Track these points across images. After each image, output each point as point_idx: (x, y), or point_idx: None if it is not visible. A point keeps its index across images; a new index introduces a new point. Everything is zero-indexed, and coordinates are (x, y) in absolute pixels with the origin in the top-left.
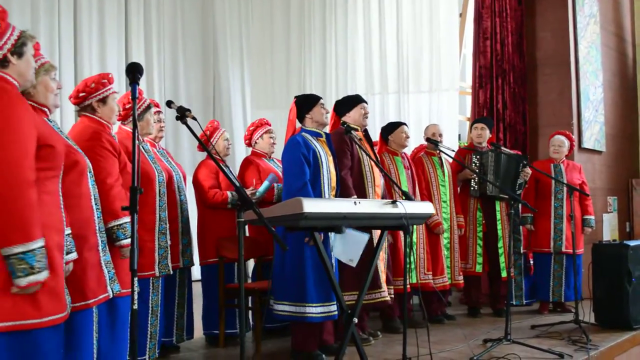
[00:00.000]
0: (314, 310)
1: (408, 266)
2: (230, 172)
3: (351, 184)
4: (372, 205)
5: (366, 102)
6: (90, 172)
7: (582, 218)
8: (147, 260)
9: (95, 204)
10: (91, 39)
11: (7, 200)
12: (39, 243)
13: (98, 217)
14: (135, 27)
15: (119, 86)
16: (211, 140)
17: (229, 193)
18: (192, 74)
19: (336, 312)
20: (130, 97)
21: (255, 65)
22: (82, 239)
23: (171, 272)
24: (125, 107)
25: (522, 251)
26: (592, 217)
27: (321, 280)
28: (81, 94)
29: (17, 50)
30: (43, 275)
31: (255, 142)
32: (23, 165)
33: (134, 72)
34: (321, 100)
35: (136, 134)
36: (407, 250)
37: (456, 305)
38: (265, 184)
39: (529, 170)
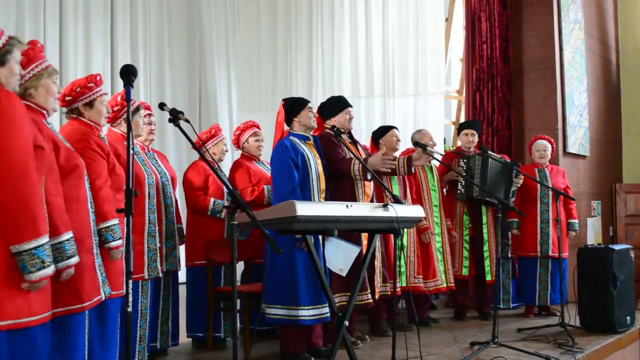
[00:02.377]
0: (306, 312)
1: (398, 269)
2: (224, 174)
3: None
4: (363, 209)
5: (351, 106)
6: (86, 175)
7: (566, 222)
8: (136, 263)
9: (91, 207)
10: (77, 42)
11: (18, 198)
12: (46, 238)
13: (93, 220)
14: (122, 30)
15: (104, 89)
16: (208, 143)
17: (211, 200)
18: (178, 77)
19: (328, 314)
20: (125, 100)
21: (242, 68)
22: (79, 242)
23: (160, 275)
24: (113, 110)
25: (509, 255)
26: (576, 221)
27: (312, 282)
28: (67, 98)
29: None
30: (52, 269)
31: (243, 145)
32: (29, 165)
33: (128, 74)
34: (309, 104)
35: (131, 136)
36: (398, 252)
37: (442, 309)
38: None
39: (521, 178)
